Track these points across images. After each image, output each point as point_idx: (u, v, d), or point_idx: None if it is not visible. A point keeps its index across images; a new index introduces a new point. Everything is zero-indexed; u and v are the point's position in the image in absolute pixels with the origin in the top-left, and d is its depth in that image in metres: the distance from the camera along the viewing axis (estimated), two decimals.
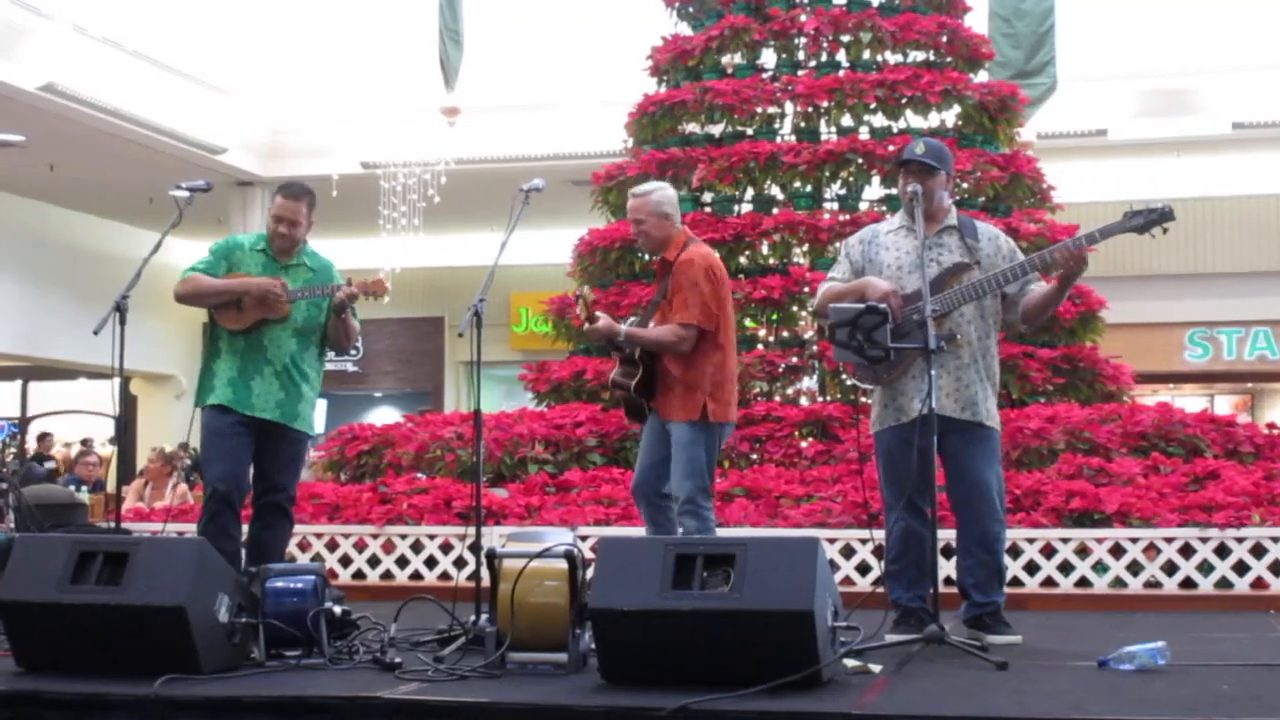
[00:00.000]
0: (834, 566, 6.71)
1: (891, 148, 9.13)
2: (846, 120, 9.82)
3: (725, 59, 10.23)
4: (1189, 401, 17.05)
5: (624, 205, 6.68)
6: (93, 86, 14.61)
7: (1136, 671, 4.25)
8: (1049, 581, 6.86)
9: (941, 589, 4.82)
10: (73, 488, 11.78)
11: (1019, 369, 8.75)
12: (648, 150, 10.07)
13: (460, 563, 7.40)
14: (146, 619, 4.29)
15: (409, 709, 3.91)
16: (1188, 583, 6.77)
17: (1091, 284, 9.39)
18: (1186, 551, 6.78)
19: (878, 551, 6.24)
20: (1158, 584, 6.81)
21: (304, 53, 16.56)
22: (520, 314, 20.79)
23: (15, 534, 6.21)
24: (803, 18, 9.97)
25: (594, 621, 4.11)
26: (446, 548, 7.57)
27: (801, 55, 10.09)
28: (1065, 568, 6.87)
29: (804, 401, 9.12)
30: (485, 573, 4.58)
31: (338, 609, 4.78)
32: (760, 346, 9.23)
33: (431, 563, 7.59)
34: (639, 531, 6.10)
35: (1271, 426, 8.97)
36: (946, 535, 5.36)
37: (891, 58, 10.07)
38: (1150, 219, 4.96)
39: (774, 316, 9.35)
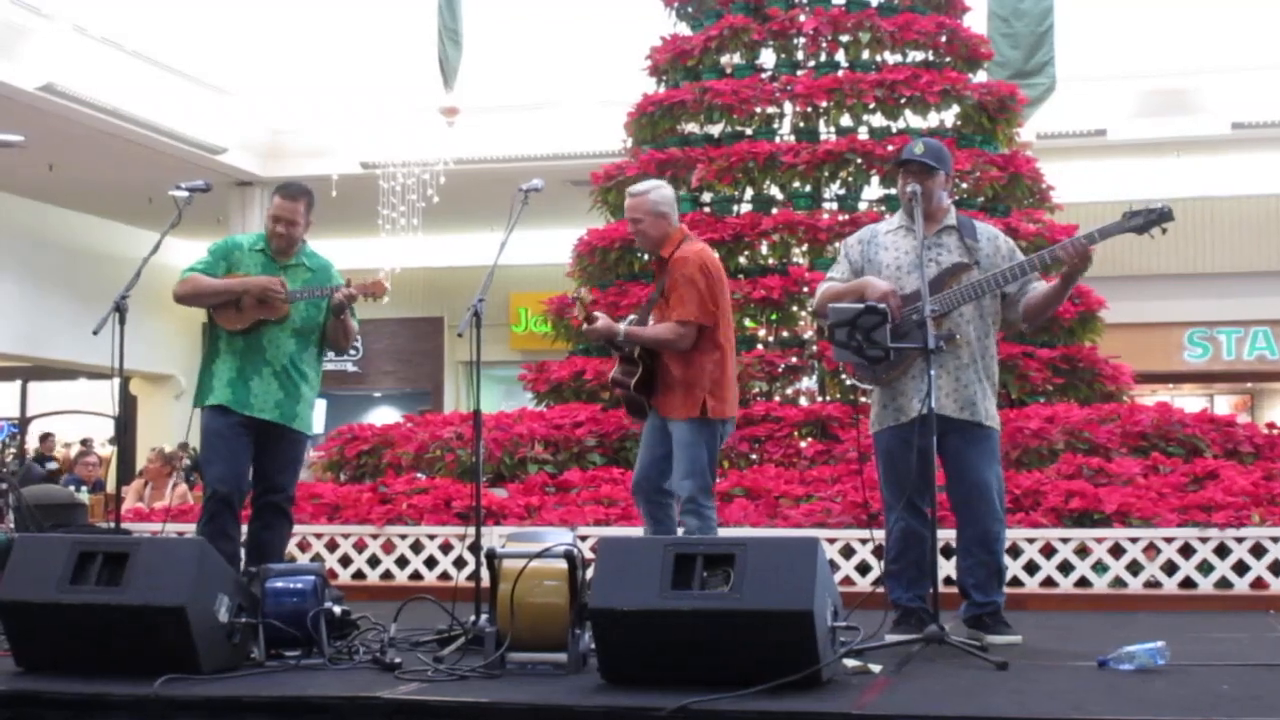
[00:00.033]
0: (834, 566, 6.71)
1: (890, 148, 9.13)
2: (845, 120, 9.82)
3: (724, 59, 10.24)
4: (1188, 401, 17.05)
5: (623, 205, 6.68)
6: (92, 86, 14.61)
7: (1136, 671, 4.25)
8: (1049, 581, 6.86)
9: (941, 589, 4.82)
10: (72, 488, 11.78)
11: (1018, 369, 8.75)
12: (647, 150, 10.07)
13: (460, 563, 7.40)
14: (146, 619, 4.29)
15: (409, 709, 3.91)
16: (1187, 583, 6.77)
17: (1091, 284, 9.39)
18: (1186, 551, 6.78)
19: (877, 551, 6.24)
20: (1157, 584, 6.81)
21: (304, 53, 16.56)
22: (520, 314, 20.79)
23: (15, 534, 6.21)
24: (802, 18, 9.97)
25: (594, 621, 4.11)
26: (446, 548, 7.57)
27: (800, 55, 10.09)
28: (1065, 568, 6.87)
29: (803, 401, 9.12)
30: (485, 573, 4.58)
31: (337, 609, 4.78)
32: (760, 346, 9.23)
33: (431, 563, 7.59)
34: (639, 532, 6.10)
35: (1271, 426, 8.97)
36: (946, 535, 5.37)
37: (890, 58, 10.07)
38: (1149, 219, 4.96)
39: (773, 316, 9.35)
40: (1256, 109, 16.15)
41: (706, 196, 9.93)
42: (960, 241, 5.21)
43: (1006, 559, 5.52)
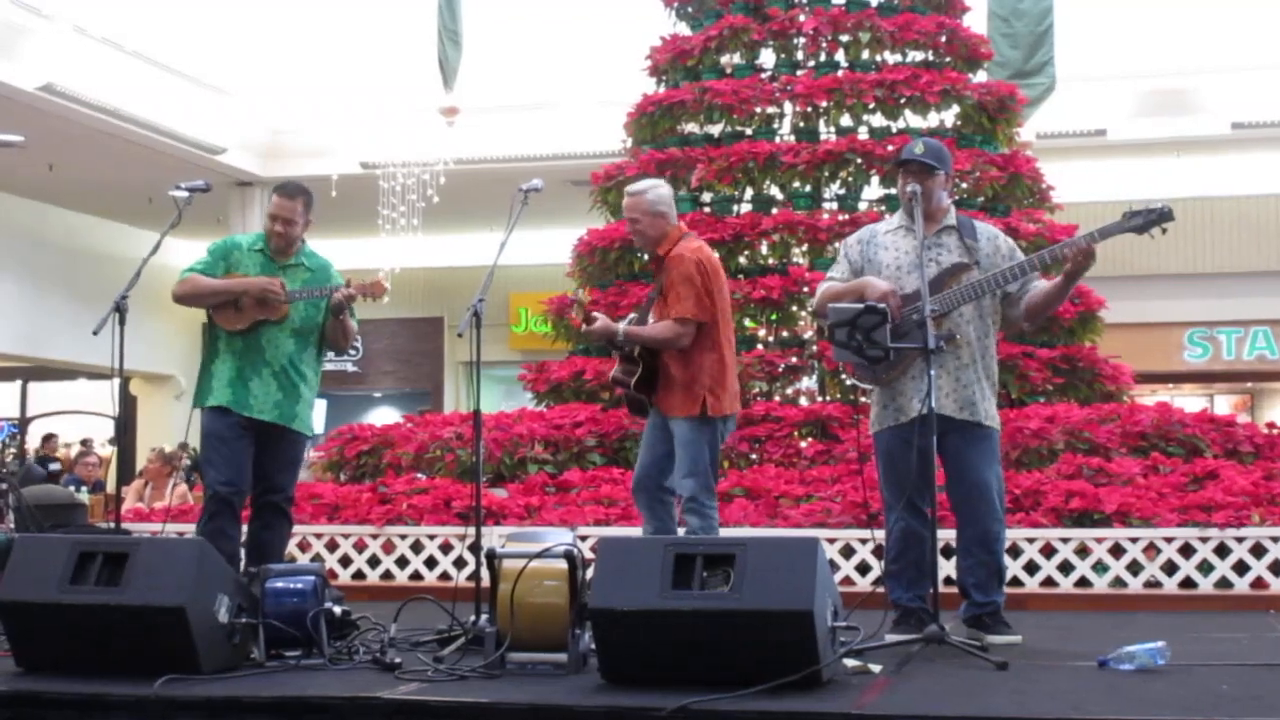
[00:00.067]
0: (834, 566, 6.71)
1: (890, 148, 9.13)
2: (845, 120, 9.82)
3: (724, 59, 10.24)
4: (1188, 401, 17.05)
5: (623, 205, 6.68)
6: (92, 86, 14.61)
7: (1136, 671, 4.25)
8: (1049, 581, 6.86)
9: (941, 589, 4.82)
10: (72, 488, 11.78)
11: (1018, 369, 8.75)
12: (647, 150, 10.07)
13: (460, 563, 7.40)
14: (146, 619, 4.29)
15: (409, 709, 3.91)
16: (1188, 582, 6.77)
17: (1091, 284, 9.38)
18: (1186, 551, 6.78)
19: (877, 551, 6.24)
20: (1158, 584, 6.81)
21: (304, 53, 16.56)
22: (520, 314, 20.79)
23: (15, 534, 6.21)
24: (801, 18, 9.97)
25: (594, 621, 4.11)
26: (446, 548, 7.57)
27: (800, 55, 10.09)
28: (1065, 567, 6.87)
29: (803, 401, 9.12)
30: (485, 573, 4.58)
31: (337, 609, 4.78)
32: (760, 346, 9.23)
33: (431, 563, 7.59)
34: (639, 532, 6.10)
35: (1271, 426, 8.97)
36: (946, 535, 5.36)
37: (890, 58, 10.07)
38: (1149, 219, 4.96)
39: (773, 316, 9.35)
40: (1256, 109, 16.15)
41: (706, 196, 9.93)
42: (960, 241, 5.20)
43: (1006, 559, 5.52)
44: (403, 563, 7.65)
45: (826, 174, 9.56)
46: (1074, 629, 5.78)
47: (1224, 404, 19.29)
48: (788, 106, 9.97)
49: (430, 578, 7.51)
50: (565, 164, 16.04)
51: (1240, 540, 6.72)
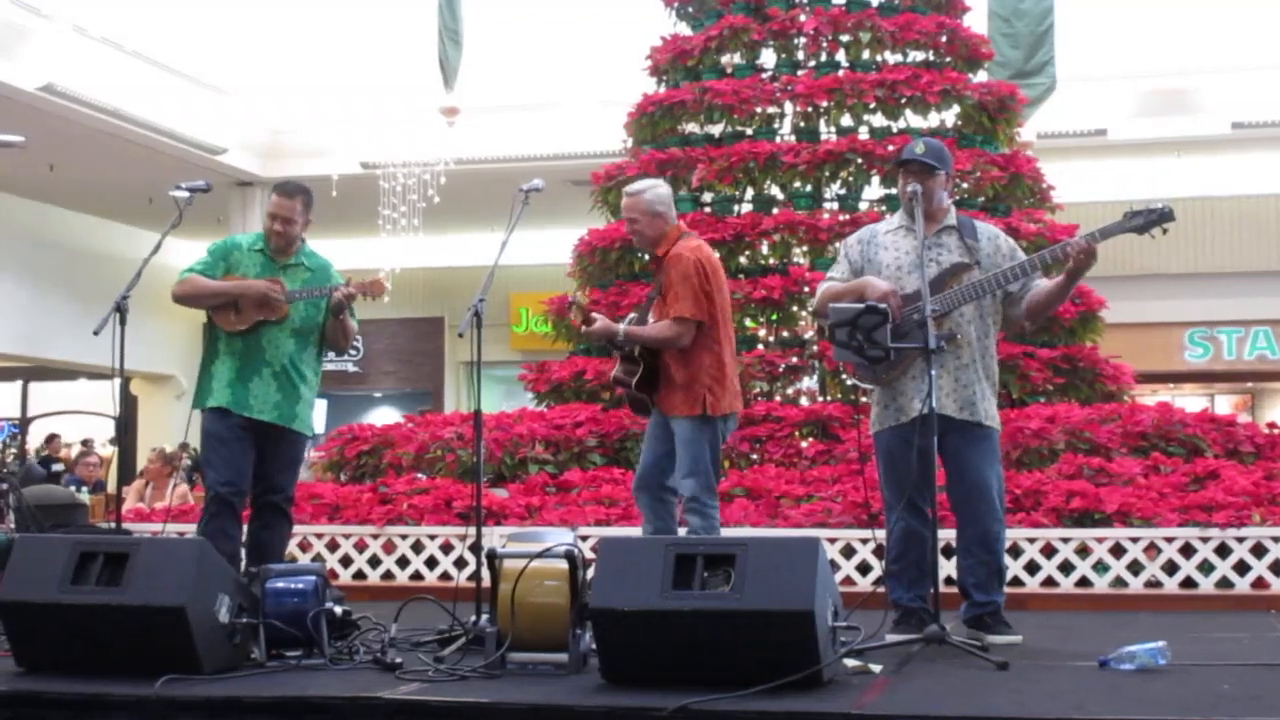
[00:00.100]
0: (834, 566, 6.71)
1: (891, 148, 9.13)
2: (846, 120, 9.81)
3: (725, 59, 10.23)
4: (1189, 401, 17.05)
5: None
6: (92, 86, 14.61)
7: (1137, 671, 4.25)
8: (1049, 581, 6.86)
9: (942, 589, 4.82)
10: (73, 488, 11.78)
11: (1019, 369, 8.75)
12: (647, 150, 10.07)
13: (461, 563, 7.40)
14: (147, 619, 4.29)
15: (409, 709, 3.91)
16: (1188, 582, 6.76)
17: (1091, 284, 9.38)
18: (1187, 551, 6.78)
19: (878, 551, 6.24)
20: (1158, 584, 6.81)
21: (304, 53, 16.57)
22: (520, 314, 20.79)
23: (15, 534, 6.21)
24: (802, 18, 9.96)
25: (594, 622, 4.11)
26: (447, 548, 7.57)
27: (801, 55, 10.09)
28: (1066, 567, 6.87)
29: (804, 401, 9.12)
30: (486, 573, 4.58)
31: (338, 609, 4.78)
32: (760, 346, 9.23)
33: (432, 563, 7.59)
34: (639, 532, 6.10)
35: (1272, 426, 8.97)
36: (947, 535, 5.36)
37: (891, 58, 10.07)
38: (1150, 219, 4.96)
39: (774, 316, 9.35)
40: (1256, 109, 16.16)
41: (707, 196, 9.92)
42: (961, 241, 5.20)
43: (1007, 559, 5.52)
44: (403, 563, 7.65)
45: (827, 174, 9.56)
46: (1074, 629, 5.78)
47: (1225, 404, 19.30)
48: (788, 106, 9.97)
49: (431, 578, 7.51)
50: (566, 164, 16.04)
51: (1241, 540, 6.72)
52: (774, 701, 3.73)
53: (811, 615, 3.89)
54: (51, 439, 18.00)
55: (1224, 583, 6.71)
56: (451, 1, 14.79)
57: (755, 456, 8.50)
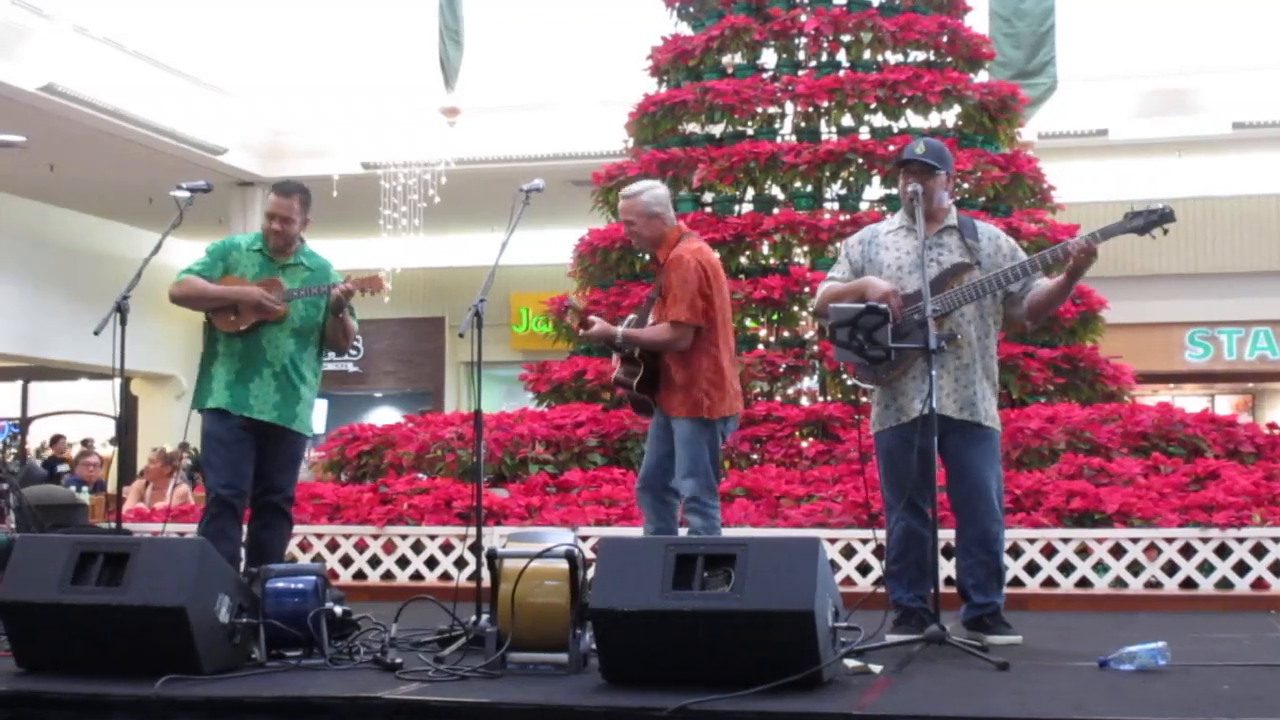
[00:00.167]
0: (835, 566, 6.71)
1: (892, 148, 9.13)
2: (847, 120, 9.81)
3: (725, 59, 10.23)
4: (1189, 401, 17.05)
5: None
6: (93, 86, 14.61)
7: (1137, 672, 4.25)
8: (1049, 582, 6.86)
9: (942, 589, 4.82)
10: (73, 488, 11.78)
11: (1019, 369, 8.75)
12: (648, 150, 10.07)
13: (461, 563, 7.40)
14: (147, 619, 4.29)
15: (409, 709, 3.91)
16: (1188, 583, 6.76)
17: (1092, 284, 9.38)
18: (1187, 552, 6.78)
19: (878, 551, 6.24)
20: (1158, 584, 6.81)
21: (304, 53, 16.57)
22: (521, 314, 20.79)
23: (16, 534, 6.21)
24: (803, 18, 9.96)
25: (595, 622, 4.11)
26: (447, 548, 7.57)
27: (802, 55, 10.09)
28: (1066, 568, 6.87)
29: (804, 401, 9.12)
30: (486, 573, 4.58)
31: (338, 609, 4.78)
32: (760, 346, 9.23)
33: (432, 563, 7.59)
34: (639, 532, 6.10)
35: (1272, 426, 8.97)
36: (947, 535, 5.36)
37: (892, 58, 10.06)
38: (1151, 220, 4.95)
39: (774, 316, 9.35)
40: (1257, 109, 16.15)
41: (708, 196, 9.92)
42: (961, 241, 5.20)
43: (1007, 559, 5.53)
44: (404, 563, 7.65)
45: (828, 174, 9.56)
46: (1074, 629, 5.78)
47: (1225, 404, 19.29)
48: (789, 106, 9.97)
49: (431, 578, 7.51)
50: (566, 164, 16.04)
51: (1241, 540, 6.72)
52: (774, 702, 3.72)
53: (812, 615, 3.89)
54: (56, 439, 18.00)
55: (1224, 583, 6.71)
56: (452, 1, 14.79)
57: (755, 456, 8.50)
